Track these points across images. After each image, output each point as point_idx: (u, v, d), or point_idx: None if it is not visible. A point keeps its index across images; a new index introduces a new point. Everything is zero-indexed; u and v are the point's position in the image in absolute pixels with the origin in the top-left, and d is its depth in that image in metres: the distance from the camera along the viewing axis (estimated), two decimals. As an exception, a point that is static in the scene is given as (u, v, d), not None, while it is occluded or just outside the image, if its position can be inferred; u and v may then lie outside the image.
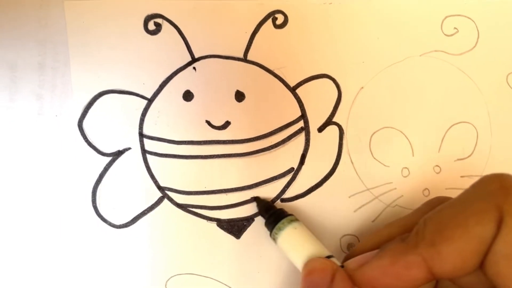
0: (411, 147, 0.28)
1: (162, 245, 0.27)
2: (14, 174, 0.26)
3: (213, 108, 0.27)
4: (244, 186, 0.28)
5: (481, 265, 0.18)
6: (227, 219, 0.28)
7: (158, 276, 0.27)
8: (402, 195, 0.28)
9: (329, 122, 0.28)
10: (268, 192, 0.28)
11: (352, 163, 0.28)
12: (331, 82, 0.28)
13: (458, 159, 0.29)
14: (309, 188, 0.28)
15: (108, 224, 0.27)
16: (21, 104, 0.26)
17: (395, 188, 0.28)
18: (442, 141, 0.28)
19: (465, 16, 0.29)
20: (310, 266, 0.22)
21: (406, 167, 0.28)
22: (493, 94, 0.29)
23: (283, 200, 0.28)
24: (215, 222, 0.28)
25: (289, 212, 0.26)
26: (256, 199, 0.27)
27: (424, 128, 0.28)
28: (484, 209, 0.18)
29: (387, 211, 0.28)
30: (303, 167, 0.28)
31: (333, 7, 0.28)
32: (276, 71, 0.28)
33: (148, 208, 0.27)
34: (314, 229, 0.26)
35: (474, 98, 0.29)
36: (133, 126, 0.27)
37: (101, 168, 0.27)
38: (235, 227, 0.28)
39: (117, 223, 0.27)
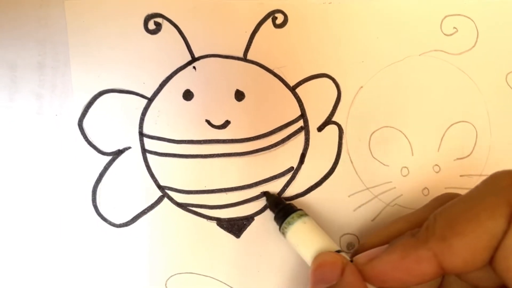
0: (411, 146, 0.28)
1: (162, 244, 0.27)
2: (14, 174, 0.27)
3: (213, 107, 0.27)
4: (244, 185, 0.28)
5: (491, 260, 0.18)
6: (227, 218, 0.28)
7: (158, 275, 0.27)
8: (402, 194, 0.28)
9: (328, 121, 0.28)
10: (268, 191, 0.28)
11: (351, 162, 0.28)
12: (330, 81, 0.28)
13: (458, 159, 0.29)
14: (309, 187, 0.28)
15: (108, 223, 0.27)
16: (21, 103, 0.26)
17: (395, 187, 0.28)
18: (441, 140, 0.29)
19: (465, 16, 0.29)
20: (320, 260, 0.23)
21: (405, 166, 0.28)
22: (492, 94, 0.29)
23: (283, 199, 0.28)
24: (215, 221, 0.28)
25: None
26: (265, 193, 0.27)
27: (423, 127, 0.28)
28: (495, 204, 0.18)
29: (386, 210, 0.28)
30: (303, 166, 0.28)
31: (332, 7, 0.28)
32: (276, 71, 0.28)
33: (148, 207, 0.27)
34: (314, 228, 0.26)
35: (474, 98, 0.29)
36: (133, 125, 0.27)
37: (101, 167, 0.27)
38: (235, 226, 0.28)
39: (117, 222, 0.27)
